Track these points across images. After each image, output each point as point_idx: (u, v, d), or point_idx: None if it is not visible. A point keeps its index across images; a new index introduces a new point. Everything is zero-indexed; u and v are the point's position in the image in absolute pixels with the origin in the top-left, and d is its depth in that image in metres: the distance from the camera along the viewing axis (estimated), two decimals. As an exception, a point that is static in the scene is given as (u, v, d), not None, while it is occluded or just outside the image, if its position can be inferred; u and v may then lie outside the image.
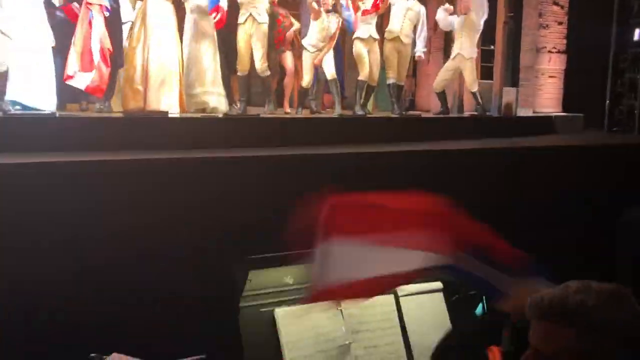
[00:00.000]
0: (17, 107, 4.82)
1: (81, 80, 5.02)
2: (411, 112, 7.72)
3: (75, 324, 2.56)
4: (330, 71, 6.29)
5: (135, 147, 3.70)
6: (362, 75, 6.32)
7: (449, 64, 7.06)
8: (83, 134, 3.99)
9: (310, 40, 6.33)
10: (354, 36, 6.39)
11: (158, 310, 2.71)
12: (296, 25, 6.84)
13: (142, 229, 2.87)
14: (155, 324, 2.61)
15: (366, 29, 6.31)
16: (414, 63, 8.90)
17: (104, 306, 2.63)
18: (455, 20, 6.95)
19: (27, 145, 3.54)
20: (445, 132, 5.35)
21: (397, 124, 5.99)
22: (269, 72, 6.04)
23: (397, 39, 6.53)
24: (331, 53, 6.37)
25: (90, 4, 5.01)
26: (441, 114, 6.94)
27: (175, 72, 5.42)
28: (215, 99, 5.55)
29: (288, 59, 6.72)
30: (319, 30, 6.30)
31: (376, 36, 6.43)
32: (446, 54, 8.72)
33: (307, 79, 6.37)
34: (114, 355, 1.80)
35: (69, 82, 5.01)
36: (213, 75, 5.57)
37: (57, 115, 4.66)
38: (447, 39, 8.94)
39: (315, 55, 6.29)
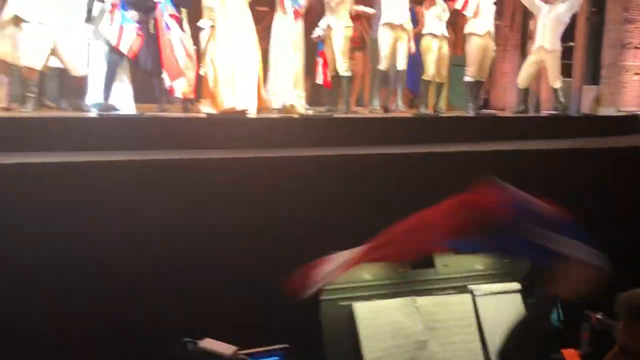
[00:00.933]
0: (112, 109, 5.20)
1: (178, 90, 5.37)
2: (486, 111, 7.60)
3: (171, 310, 2.76)
4: (402, 63, 6.30)
5: (219, 146, 3.89)
6: (428, 75, 6.32)
7: (532, 57, 6.79)
8: (168, 133, 4.23)
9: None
10: (426, 31, 6.35)
11: (246, 300, 2.87)
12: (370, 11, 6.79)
13: (227, 223, 3.04)
14: (242, 314, 2.77)
15: (439, 25, 6.29)
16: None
17: (197, 295, 2.83)
18: (544, 9, 6.62)
19: (118, 144, 3.79)
20: (523, 132, 5.24)
21: (473, 122, 5.93)
22: (350, 73, 6.11)
23: (486, 35, 6.44)
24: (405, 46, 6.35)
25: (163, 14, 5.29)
26: (520, 113, 6.79)
27: (254, 72, 5.59)
28: (297, 100, 5.69)
29: (360, 57, 6.75)
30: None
31: (447, 34, 6.39)
32: (523, 52, 8.52)
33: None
34: (206, 339, 1.93)
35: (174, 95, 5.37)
36: (296, 76, 5.71)
37: (144, 115, 4.93)
38: (524, 35, 8.72)
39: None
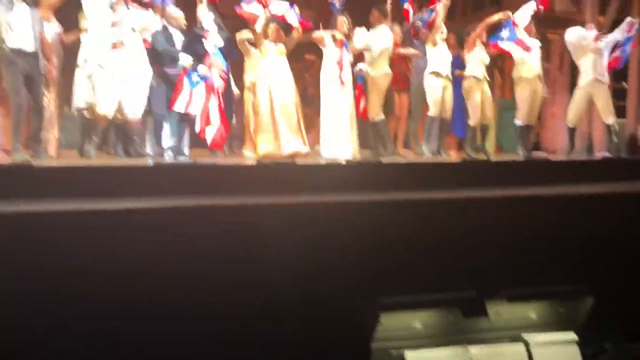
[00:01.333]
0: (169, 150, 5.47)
1: (208, 137, 5.57)
2: (537, 153, 7.48)
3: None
4: (448, 110, 6.32)
5: (269, 192, 3.96)
6: (473, 119, 6.31)
7: (580, 92, 6.64)
8: (218, 179, 4.35)
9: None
10: (468, 74, 6.36)
11: (298, 344, 2.88)
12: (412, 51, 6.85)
13: (277, 270, 3.08)
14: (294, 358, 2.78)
15: (481, 68, 6.30)
16: (539, 104, 8.67)
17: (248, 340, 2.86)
18: (591, 37, 6.52)
19: (173, 190, 3.93)
20: (575, 175, 5.13)
21: (522, 166, 5.84)
22: (382, 116, 6.18)
23: (535, 78, 6.42)
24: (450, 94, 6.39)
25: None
26: (571, 155, 6.66)
27: (295, 118, 5.75)
28: (349, 146, 5.81)
29: (403, 99, 6.82)
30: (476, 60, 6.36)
31: (487, 77, 6.40)
32: (572, 94, 8.40)
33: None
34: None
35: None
36: (349, 121, 5.82)
37: (197, 163, 5.08)
38: (574, 77, 8.62)
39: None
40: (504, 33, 6.26)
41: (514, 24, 6.28)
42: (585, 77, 6.53)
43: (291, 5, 5.70)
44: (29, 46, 4.70)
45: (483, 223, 3.51)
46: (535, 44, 6.45)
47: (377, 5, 6.33)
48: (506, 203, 3.92)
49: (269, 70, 5.61)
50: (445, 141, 7.07)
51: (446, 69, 6.29)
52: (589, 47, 6.47)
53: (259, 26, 5.56)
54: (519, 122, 6.49)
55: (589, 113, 7.07)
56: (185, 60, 5.40)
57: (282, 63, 5.67)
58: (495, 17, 6.37)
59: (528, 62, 6.38)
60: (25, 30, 4.68)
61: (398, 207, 3.74)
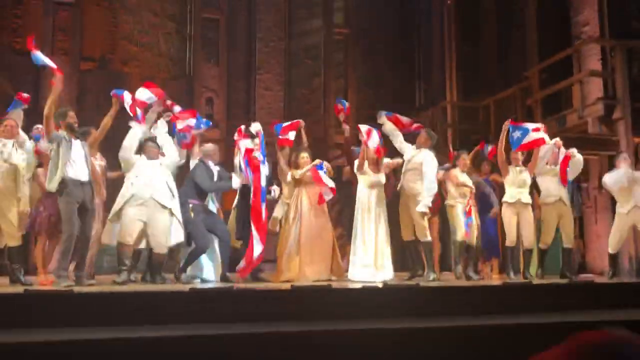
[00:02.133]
0: (196, 279, 5.56)
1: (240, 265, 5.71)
2: (583, 276, 7.24)
3: None
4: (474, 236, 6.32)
5: (304, 318, 3.93)
6: (509, 242, 6.24)
7: (621, 219, 6.52)
8: (256, 304, 4.35)
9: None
10: (504, 199, 6.37)
11: None
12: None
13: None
14: None
15: (515, 192, 6.29)
16: (581, 224, 8.55)
17: None
18: (626, 179, 6.50)
19: (207, 316, 3.94)
20: (620, 300, 4.92)
21: (567, 289, 5.64)
22: (430, 238, 6.18)
23: (559, 201, 6.38)
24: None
25: None
26: (613, 279, 6.43)
27: (327, 239, 5.88)
28: (382, 272, 5.80)
29: (435, 223, 6.87)
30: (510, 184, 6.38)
31: (526, 200, 6.33)
32: (614, 212, 8.26)
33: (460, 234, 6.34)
34: None
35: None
36: (382, 246, 5.88)
37: (235, 288, 5.12)
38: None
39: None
40: (516, 134, 6.28)
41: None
42: (625, 206, 6.45)
43: None
44: (84, 176, 5.04)
45: (522, 350, 3.35)
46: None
47: (427, 129, 6.59)
48: (548, 329, 3.76)
49: (303, 197, 5.83)
50: (489, 264, 6.97)
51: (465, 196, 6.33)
52: (626, 183, 6.46)
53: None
54: (543, 245, 6.40)
55: (635, 233, 6.90)
56: (236, 181, 5.70)
57: (317, 190, 5.89)
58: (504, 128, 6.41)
59: (551, 184, 6.37)
60: (81, 163, 5.05)
61: (433, 335, 3.64)
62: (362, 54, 13.24)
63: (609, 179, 6.64)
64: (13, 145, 5.23)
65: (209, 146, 6.07)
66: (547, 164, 6.38)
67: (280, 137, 6.40)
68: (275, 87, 13.32)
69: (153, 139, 5.64)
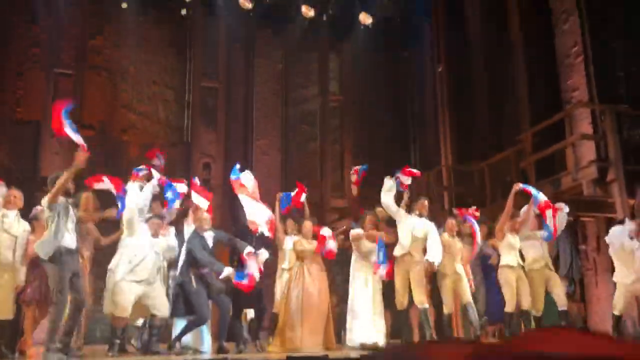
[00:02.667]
0: (189, 350, 5.44)
1: None
2: (585, 341, 7.06)
3: None
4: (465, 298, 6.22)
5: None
6: (509, 307, 6.16)
7: (624, 288, 6.42)
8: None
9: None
10: (502, 263, 6.35)
11: None
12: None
13: None
14: None
15: (512, 255, 6.26)
16: (582, 286, 8.45)
17: None
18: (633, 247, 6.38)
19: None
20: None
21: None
22: (427, 305, 6.09)
23: (545, 267, 6.39)
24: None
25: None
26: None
27: (324, 311, 5.82)
28: (376, 335, 5.70)
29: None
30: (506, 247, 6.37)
31: (522, 264, 6.36)
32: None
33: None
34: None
35: None
36: (379, 312, 5.88)
37: (230, 359, 5.00)
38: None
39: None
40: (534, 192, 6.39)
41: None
42: (629, 276, 6.34)
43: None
44: (74, 244, 5.01)
45: None
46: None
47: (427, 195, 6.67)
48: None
49: (305, 268, 5.84)
50: (494, 328, 6.85)
51: (452, 264, 6.30)
52: (629, 248, 6.38)
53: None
54: (537, 313, 6.35)
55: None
56: (227, 271, 5.60)
57: (317, 260, 5.92)
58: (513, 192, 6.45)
59: (532, 249, 6.41)
60: (73, 231, 5.03)
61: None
62: (357, 119, 13.48)
63: (612, 232, 6.55)
64: (16, 215, 5.24)
65: (201, 215, 6.07)
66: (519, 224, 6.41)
67: (290, 205, 6.49)
68: (273, 152, 13.48)
69: (160, 215, 5.67)
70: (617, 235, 6.47)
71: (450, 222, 6.47)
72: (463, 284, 6.26)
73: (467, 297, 6.22)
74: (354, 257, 6.22)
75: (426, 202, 6.34)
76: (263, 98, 13.56)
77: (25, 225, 5.32)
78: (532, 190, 6.44)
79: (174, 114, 13.04)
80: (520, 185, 6.46)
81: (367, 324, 5.81)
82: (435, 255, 5.97)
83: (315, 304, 5.79)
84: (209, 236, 5.91)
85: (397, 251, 6.17)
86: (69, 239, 4.94)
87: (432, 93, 12.71)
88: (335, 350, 5.80)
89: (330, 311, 5.96)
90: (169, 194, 5.85)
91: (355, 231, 6.28)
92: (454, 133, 12.11)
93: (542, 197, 6.38)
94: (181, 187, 6.05)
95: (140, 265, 5.25)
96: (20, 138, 11.25)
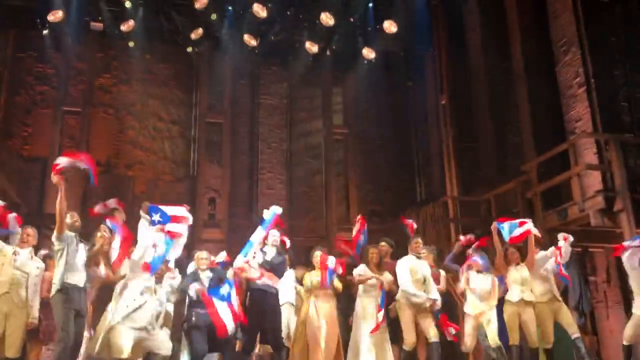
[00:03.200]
0: None
1: None
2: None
3: None
4: (493, 336, 6.06)
5: None
6: (512, 340, 6.07)
7: (638, 321, 6.25)
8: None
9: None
10: (505, 298, 6.30)
11: None
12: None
13: None
14: None
15: (518, 290, 6.18)
16: (592, 319, 8.31)
17: None
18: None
19: None
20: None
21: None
22: (438, 339, 6.01)
23: (553, 298, 6.32)
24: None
25: None
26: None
27: (335, 350, 5.76)
28: None
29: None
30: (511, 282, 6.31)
31: (529, 298, 6.25)
32: (626, 306, 8.04)
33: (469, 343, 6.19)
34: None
35: None
36: (386, 349, 5.89)
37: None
38: (625, 290, 8.33)
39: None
40: (504, 230, 6.44)
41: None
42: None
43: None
44: (82, 282, 4.98)
45: None
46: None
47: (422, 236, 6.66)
48: None
49: (315, 304, 5.82)
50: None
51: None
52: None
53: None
54: (547, 345, 6.25)
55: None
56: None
57: (331, 304, 5.90)
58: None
59: (547, 281, 6.36)
60: (82, 268, 5.02)
61: None
62: (361, 152, 13.51)
63: (627, 256, 6.37)
64: (29, 253, 5.24)
65: (201, 254, 6.08)
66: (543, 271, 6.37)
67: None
68: (278, 185, 13.50)
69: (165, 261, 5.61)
70: (630, 261, 6.32)
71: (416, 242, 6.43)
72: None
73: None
74: (359, 291, 6.15)
75: (419, 241, 6.34)
76: (268, 132, 13.65)
77: (38, 263, 5.32)
78: (500, 228, 6.47)
79: (180, 149, 13.13)
80: (495, 225, 6.51)
81: None
82: (435, 294, 6.06)
83: (327, 341, 5.72)
84: (205, 276, 5.90)
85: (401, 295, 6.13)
86: (77, 276, 4.92)
87: (436, 124, 12.75)
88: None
89: (341, 347, 5.87)
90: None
91: (360, 269, 6.24)
92: (459, 164, 12.10)
93: (513, 232, 6.39)
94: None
95: (138, 312, 5.06)
96: (28, 175, 11.32)
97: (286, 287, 6.44)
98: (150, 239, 5.32)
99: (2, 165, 10.63)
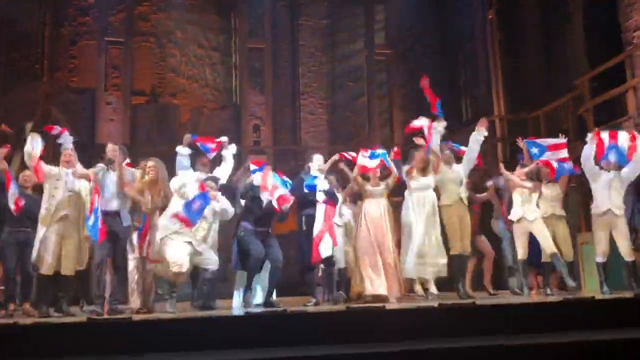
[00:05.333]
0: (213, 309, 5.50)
1: None
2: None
3: None
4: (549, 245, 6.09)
5: (357, 339, 3.90)
6: (545, 256, 6.13)
7: None
8: (310, 327, 4.36)
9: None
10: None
11: None
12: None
13: None
14: None
15: (548, 205, 6.22)
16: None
17: None
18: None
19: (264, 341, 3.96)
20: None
21: (632, 304, 5.37)
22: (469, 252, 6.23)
23: (608, 211, 6.05)
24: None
25: None
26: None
27: (392, 263, 5.88)
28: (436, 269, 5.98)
29: (485, 241, 6.99)
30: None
31: (560, 213, 6.29)
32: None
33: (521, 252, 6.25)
34: None
35: None
36: (437, 243, 6.05)
37: (288, 310, 5.11)
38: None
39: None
40: (533, 149, 6.47)
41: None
42: None
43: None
44: (114, 206, 5.22)
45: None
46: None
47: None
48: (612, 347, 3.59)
49: (371, 211, 5.90)
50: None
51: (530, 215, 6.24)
52: None
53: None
54: (599, 258, 6.10)
55: None
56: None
57: (384, 204, 5.98)
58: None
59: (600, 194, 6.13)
60: (113, 192, 5.24)
61: (493, 355, 3.52)
62: (405, 72, 13.23)
63: None
64: (74, 174, 5.41)
65: (256, 176, 6.05)
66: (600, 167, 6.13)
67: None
68: (319, 110, 13.45)
69: (213, 178, 5.70)
70: None
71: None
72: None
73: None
74: (407, 193, 6.24)
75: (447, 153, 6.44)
76: (309, 56, 13.47)
77: (85, 183, 5.47)
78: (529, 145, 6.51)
79: (222, 76, 13.14)
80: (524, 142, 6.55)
81: (423, 255, 5.93)
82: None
83: (382, 248, 5.87)
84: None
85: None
86: (106, 201, 5.23)
87: (483, 40, 12.27)
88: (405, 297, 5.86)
89: (396, 255, 6.00)
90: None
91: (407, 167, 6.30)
92: (507, 81, 11.72)
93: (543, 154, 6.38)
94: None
95: (186, 229, 5.23)
96: (78, 106, 11.61)
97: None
98: (190, 176, 5.49)
99: (52, 97, 10.90)
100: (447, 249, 6.18)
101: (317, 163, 6.11)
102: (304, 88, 13.40)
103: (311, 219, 5.86)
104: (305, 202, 5.94)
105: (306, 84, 13.43)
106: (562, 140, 6.60)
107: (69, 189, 5.29)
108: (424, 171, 6.15)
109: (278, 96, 13.08)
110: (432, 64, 13.23)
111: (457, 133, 9.04)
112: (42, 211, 5.27)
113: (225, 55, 13.17)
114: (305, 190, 5.90)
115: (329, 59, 13.51)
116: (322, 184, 5.91)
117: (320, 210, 5.82)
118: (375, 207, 6.01)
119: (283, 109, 13.23)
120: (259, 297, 5.94)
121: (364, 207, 6.06)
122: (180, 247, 5.18)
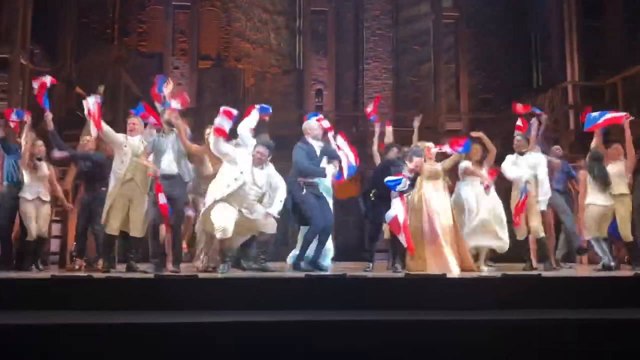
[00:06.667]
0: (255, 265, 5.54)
1: None
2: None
3: None
4: None
5: (414, 306, 3.90)
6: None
7: None
8: (369, 293, 4.40)
9: None
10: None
11: None
12: None
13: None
14: None
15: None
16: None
17: None
18: None
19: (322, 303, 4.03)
20: None
21: None
22: (543, 234, 6.03)
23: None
24: None
25: None
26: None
27: (450, 231, 5.80)
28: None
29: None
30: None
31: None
32: None
33: None
34: None
35: None
36: (500, 217, 6.08)
37: (347, 275, 5.15)
38: None
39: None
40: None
41: None
42: None
43: None
44: (174, 169, 5.32)
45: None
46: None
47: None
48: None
49: (428, 191, 5.83)
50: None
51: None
52: None
53: None
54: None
55: None
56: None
57: (440, 185, 5.89)
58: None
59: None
60: (170, 157, 5.34)
61: (558, 328, 3.45)
62: (473, 36, 12.79)
63: None
64: (140, 141, 5.58)
65: (310, 122, 5.94)
66: None
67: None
68: (383, 75, 13.25)
69: (267, 143, 5.58)
70: None
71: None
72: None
73: None
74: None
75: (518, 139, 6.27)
76: (373, 19, 13.22)
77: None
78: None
79: (285, 41, 13.13)
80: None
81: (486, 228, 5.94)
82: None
83: (443, 221, 5.81)
84: (317, 145, 5.81)
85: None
86: (165, 165, 5.36)
87: (558, 2, 11.64)
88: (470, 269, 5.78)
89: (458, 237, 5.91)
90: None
91: (464, 164, 6.18)
92: (582, 45, 11.10)
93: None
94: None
95: (239, 192, 5.24)
96: (146, 70, 11.90)
97: None
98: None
99: (122, 61, 11.22)
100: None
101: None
102: (367, 52, 13.20)
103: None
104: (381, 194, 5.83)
105: (370, 48, 13.22)
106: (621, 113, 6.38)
107: (136, 155, 5.50)
108: (480, 163, 6.17)
109: (341, 60, 12.96)
110: (501, 27, 12.73)
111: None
112: (112, 175, 5.53)
113: (289, 20, 13.13)
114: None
115: (394, 22, 13.22)
116: (403, 186, 5.74)
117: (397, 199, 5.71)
118: (432, 188, 5.93)
119: (346, 74, 13.11)
120: (328, 258, 6.00)
121: (422, 188, 5.95)
122: (227, 213, 5.20)
